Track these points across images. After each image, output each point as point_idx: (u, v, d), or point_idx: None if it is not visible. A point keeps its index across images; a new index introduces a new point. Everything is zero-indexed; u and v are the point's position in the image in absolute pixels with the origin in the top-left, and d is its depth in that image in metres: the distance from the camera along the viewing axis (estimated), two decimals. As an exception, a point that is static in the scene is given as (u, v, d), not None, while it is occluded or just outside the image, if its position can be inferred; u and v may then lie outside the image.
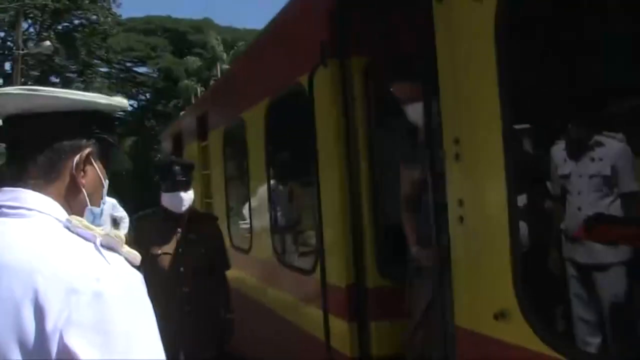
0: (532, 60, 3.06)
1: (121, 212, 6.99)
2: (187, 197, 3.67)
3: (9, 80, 23.60)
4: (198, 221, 3.80)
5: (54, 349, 1.01)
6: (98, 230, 1.16)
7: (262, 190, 4.30)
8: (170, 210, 3.67)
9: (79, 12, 27.84)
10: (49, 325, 1.01)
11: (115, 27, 30.38)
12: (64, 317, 1.02)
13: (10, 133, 1.25)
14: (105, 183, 1.32)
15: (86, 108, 1.26)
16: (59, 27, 27.86)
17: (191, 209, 3.76)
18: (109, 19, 29.25)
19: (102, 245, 1.12)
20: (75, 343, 1.01)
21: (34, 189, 1.19)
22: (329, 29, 3.14)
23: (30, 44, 22.82)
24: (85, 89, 32.48)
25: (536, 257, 3.73)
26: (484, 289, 1.95)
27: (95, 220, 1.27)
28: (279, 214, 4.35)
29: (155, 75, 35.45)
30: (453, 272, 2.11)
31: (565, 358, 1.66)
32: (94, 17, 28.40)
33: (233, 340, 4.12)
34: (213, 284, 3.73)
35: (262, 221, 4.42)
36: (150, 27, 35.37)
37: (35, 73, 27.68)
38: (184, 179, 3.67)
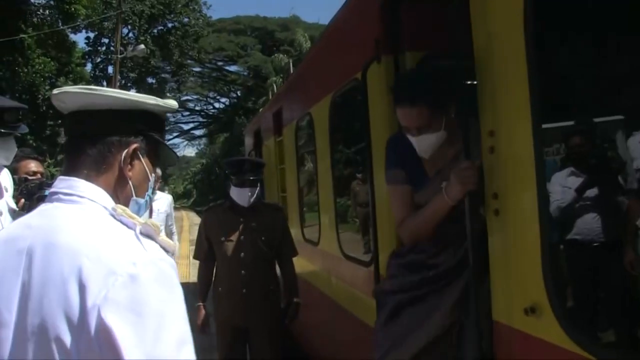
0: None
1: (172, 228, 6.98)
2: (253, 193, 3.99)
3: (110, 83, 25.09)
4: (262, 211, 4.11)
5: (93, 323, 1.12)
6: (139, 219, 1.29)
7: (327, 185, 4.38)
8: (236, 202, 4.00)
9: (172, 16, 29.10)
10: (89, 302, 1.13)
11: (206, 28, 31.51)
12: (102, 295, 1.13)
13: (70, 127, 1.39)
14: (152, 177, 1.45)
15: (135, 107, 1.38)
16: (155, 31, 29.21)
17: (257, 200, 4.00)
18: (200, 20, 30.39)
19: (141, 233, 1.25)
20: (110, 319, 1.12)
21: (86, 179, 1.32)
22: (382, 24, 3.16)
23: (129, 48, 24.08)
24: (179, 89, 34.01)
25: (609, 253, 3.60)
26: (517, 283, 1.94)
27: (140, 210, 1.41)
28: (342, 208, 4.42)
29: (245, 73, 36.46)
30: (490, 266, 2.10)
31: (592, 357, 1.63)
32: (186, 19, 29.59)
33: (296, 324, 4.28)
34: (271, 270, 4.08)
35: (328, 215, 4.51)
36: (240, 27, 36.37)
37: (133, 75, 29.21)
38: (252, 177, 3.91)
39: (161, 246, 1.28)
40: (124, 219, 1.28)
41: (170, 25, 29.37)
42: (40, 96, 22.08)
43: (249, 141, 9.38)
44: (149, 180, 1.44)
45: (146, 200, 1.45)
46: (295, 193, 5.82)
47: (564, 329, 1.72)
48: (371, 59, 3.19)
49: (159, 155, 1.48)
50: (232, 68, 37.81)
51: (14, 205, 3.06)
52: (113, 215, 1.29)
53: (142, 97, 1.39)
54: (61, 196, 1.31)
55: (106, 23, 26.74)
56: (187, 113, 39.76)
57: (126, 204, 1.37)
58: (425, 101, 2.29)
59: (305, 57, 6.61)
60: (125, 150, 1.36)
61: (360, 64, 3.32)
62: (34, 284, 1.19)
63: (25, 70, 21.74)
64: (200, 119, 41.19)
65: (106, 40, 28.64)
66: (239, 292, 3.92)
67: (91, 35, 28.50)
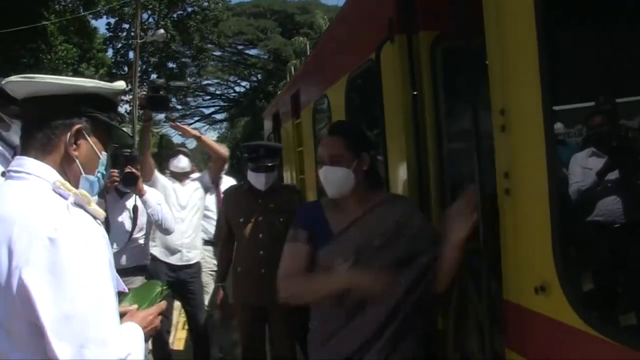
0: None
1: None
2: (270, 177, 4.10)
3: (131, 68, 25.29)
4: (279, 193, 4.21)
5: (15, 283, 1.25)
6: (75, 190, 1.43)
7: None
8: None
9: (192, 0, 29.10)
10: (13, 264, 1.26)
11: (226, 12, 31.49)
12: (24, 257, 1.26)
13: (21, 112, 1.53)
14: (102, 155, 1.56)
15: (76, 92, 1.48)
16: (174, 16, 29.28)
17: (274, 182, 4.07)
18: (220, 4, 30.35)
19: (73, 203, 1.38)
20: (29, 279, 1.24)
21: (34, 158, 1.45)
22: (396, 3, 3.14)
23: (150, 33, 24.19)
24: (199, 73, 34.09)
25: (630, 235, 3.55)
26: (527, 262, 1.94)
27: (93, 187, 1.53)
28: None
29: (265, 56, 36.42)
30: (501, 245, 2.10)
31: (604, 336, 1.63)
32: (205, 4, 29.59)
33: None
34: None
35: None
36: (259, 10, 36.28)
37: (154, 60, 29.37)
38: (269, 163, 3.96)
39: (91, 214, 1.40)
40: (62, 191, 1.40)
41: (189, 9, 29.41)
42: (63, 82, 22.22)
43: (267, 124, 9.40)
44: (98, 158, 1.55)
45: (98, 177, 1.56)
46: (313, 175, 5.83)
47: (573, 308, 1.71)
48: (384, 39, 3.18)
49: (111, 135, 1.61)
50: (252, 52, 37.83)
51: None
52: (53, 189, 1.41)
53: (82, 81, 1.50)
54: (12, 174, 1.45)
55: (126, 8, 26.87)
56: (208, 97, 39.92)
57: (76, 181, 1.50)
58: (344, 135, 2.58)
59: (321, 38, 6.57)
60: (69, 133, 1.48)
61: (375, 44, 3.31)
62: None
63: (49, 56, 21.98)
64: (221, 103, 41.32)
65: (126, 26, 28.78)
66: (257, 273, 3.97)
67: (112, 21, 28.69)
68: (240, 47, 37.75)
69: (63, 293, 1.25)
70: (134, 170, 4.24)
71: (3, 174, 2.79)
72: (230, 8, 33.46)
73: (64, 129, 1.48)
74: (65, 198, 1.40)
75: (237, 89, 40.68)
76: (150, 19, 29.19)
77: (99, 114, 1.53)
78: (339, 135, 2.59)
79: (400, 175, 3.15)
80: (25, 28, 17.69)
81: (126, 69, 28.47)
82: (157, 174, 4.90)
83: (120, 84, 1.58)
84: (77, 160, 1.50)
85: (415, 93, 3.07)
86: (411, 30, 3.11)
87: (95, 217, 1.42)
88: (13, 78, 1.44)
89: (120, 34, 29.10)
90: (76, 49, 23.62)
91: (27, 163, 1.46)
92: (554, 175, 1.81)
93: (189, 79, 31.19)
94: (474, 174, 2.55)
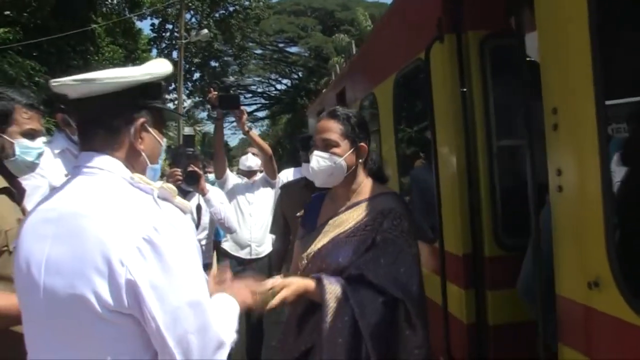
0: None
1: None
2: None
3: (175, 67, 25.71)
4: None
5: (121, 282, 1.29)
6: (154, 184, 1.44)
7: (392, 164, 4.44)
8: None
9: (233, -1, 29.40)
10: (116, 261, 1.29)
11: (267, 10, 31.69)
12: (129, 256, 1.29)
13: (78, 113, 1.50)
14: (163, 142, 1.59)
15: (132, 85, 1.46)
16: (216, 15, 29.63)
17: None
18: (261, 3, 30.58)
19: (158, 197, 1.40)
20: (139, 277, 1.29)
21: (103, 154, 1.46)
22: (444, 4, 3.19)
23: (193, 33, 24.57)
24: (241, 71, 34.40)
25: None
26: (580, 258, 1.97)
27: (155, 175, 1.56)
28: (406, 186, 4.47)
29: (306, 54, 36.50)
30: (554, 241, 2.13)
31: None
32: (247, 2, 29.85)
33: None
34: None
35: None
36: (300, 8, 36.36)
37: (197, 60, 29.80)
38: None
39: (179, 207, 1.43)
40: (142, 185, 1.42)
41: (231, 9, 29.72)
42: (110, 83, 22.75)
43: (312, 122, 9.49)
44: (160, 146, 1.57)
45: (160, 164, 1.60)
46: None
47: (627, 303, 1.75)
48: (434, 38, 3.23)
49: (164, 118, 1.62)
50: (293, 49, 37.97)
51: None
52: (131, 184, 1.43)
53: (134, 73, 1.45)
54: (84, 169, 1.44)
55: (170, 9, 27.34)
56: (250, 95, 40.27)
57: (143, 173, 1.52)
58: (342, 121, 2.36)
59: (368, 36, 6.62)
60: (133, 127, 1.48)
61: (424, 44, 3.36)
62: (62, 250, 1.34)
63: (96, 58, 22.54)
64: (263, 101, 41.64)
65: (170, 26, 29.30)
66: None
67: (156, 21, 29.24)
68: (281, 45, 37.95)
69: (171, 288, 1.31)
70: (196, 169, 4.36)
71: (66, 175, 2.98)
72: (271, 6, 33.73)
73: (127, 125, 1.47)
74: (147, 192, 1.41)
75: (278, 86, 40.93)
76: (193, 19, 29.64)
77: (155, 102, 1.53)
78: (336, 120, 2.37)
79: (449, 172, 3.19)
80: (75, 32, 18.17)
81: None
82: (228, 171, 5.06)
83: (167, 66, 1.55)
84: (143, 154, 1.50)
85: (464, 90, 3.12)
86: (460, 30, 3.16)
87: (183, 211, 1.44)
88: (66, 80, 1.40)
89: (164, 34, 29.64)
90: (122, 50, 24.16)
91: (98, 158, 1.45)
92: (607, 172, 1.84)
93: (231, 77, 31.52)
94: (524, 171, 2.60)
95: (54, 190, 1.49)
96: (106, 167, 1.44)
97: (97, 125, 1.46)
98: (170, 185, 1.44)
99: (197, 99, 32.36)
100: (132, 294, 1.29)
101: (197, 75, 31.80)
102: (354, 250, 2.23)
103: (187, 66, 29.13)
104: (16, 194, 2.21)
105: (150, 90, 1.51)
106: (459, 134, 3.13)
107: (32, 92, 2.34)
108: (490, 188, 3.07)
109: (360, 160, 2.38)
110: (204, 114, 36.28)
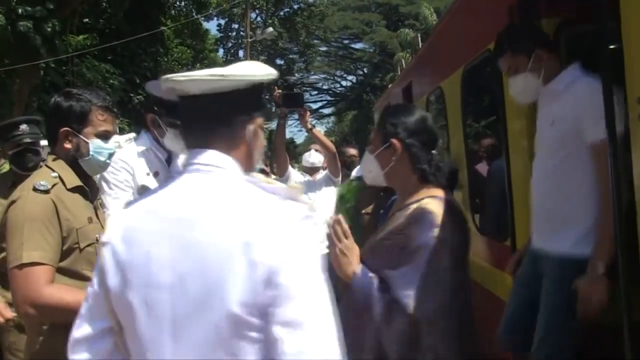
0: None
1: None
2: None
3: (241, 67, 26.11)
4: None
5: (263, 284, 1.22)
6: (278, 184, 1.40)
7: (460, 160, 4.33)
8: None
9: (298, -3, 29.64)
10: (260, 265, 1.22)
11: (331, 7, 31.80)
12: (275, 260, 1.23)
13: (190, 109, 1.42)
14: (264, 142, 1.53)
15: (254, 84, 1.42)
16: (281, 13, 29.96)
17: None
18: (325, 0, 30.68)
19: (286, 197, 1.33)
20: (285, 280, 1.22)
21: (220, 152, 1.39)
22: (517, -9, 3.06)
23: (258, 32, 24.96)
24: (307, 68, 34.69)
25: None
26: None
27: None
28: (475, 183, 4.34)
29: (371, 50, 36.38)
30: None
31: None
32: (311, 0, 30.02)
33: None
34: None
35: (461, 190, 4.45)
36: (364, 3, 36.22)
37: (263, 57, 30.24)
38: None
39: (305, 207, 1.35)
40: (265, 185, 1.36)
41: (296, 6, 30.03)
42: (179, 83, 23.43)
43: (378, 117, 9.42)
44: (263, 146, 1.52)
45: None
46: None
47: None
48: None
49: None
50: (358, 45, 37.93)
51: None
52: (253, 182, 1.37)
53: (259, 72, 1.41)
54: (198, 167, 1.38)
55: (235, 9, 27.85)
56: (315, 92, 40.51)
57: (251, 172, 1.47)
58: (380, 118, 2.33)
59: (434, 29, 6.49)
60: (252, 126, 1.43)
61: (493, 35, 3.24)
62: (192, 249, 1.27)
63: (166, 59, 23.24)
64: (328, 98, 41.81)
65: (236, 26, 29.85)
66: None
67: (222, 22, 29.85)
68: (345, 41, 37.97)
69: (315, 290, 1.25)
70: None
71: (155, 174, 3.05)
72: (335, 3, 33.84)
73: (245, 124, 1.42)
74: (272, 192, 1.34)
75: (344, 83, 40.99)
76: (259, 18, 30.08)
77: (265, 102, 1.53)
78: (379, 119, 2.34)
79: (523, 168, 3.06)
80: (147, 34, 18.81)
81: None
82: (290, 168, 5.10)
83: (272, 70, 1.49)
84: (255, 154, 1.46)
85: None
86: (533, 18, 3.02)
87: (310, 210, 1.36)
88: (198, 75, 1.35)
89: (230, 33, 30.23)
90: (190, 50, 24.81)
91: (216, 157, 1.39)
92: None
93: (296, 74, 31.83)
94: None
95: (161, 187, 1.44)
96: (223, 165, 1.38)
97: (219, 123, 1.40)
98: (297, 185, 1.40)
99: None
100: (278, 299, 1.22)
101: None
102: (382, 254, 2.14)
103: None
104: (89, 192, 2.27)
105: (263, 90, 1.51)
106: (532, 127, 2.99)
107: (107, 94, 2.40)
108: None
109: (393, 157, 2.20)
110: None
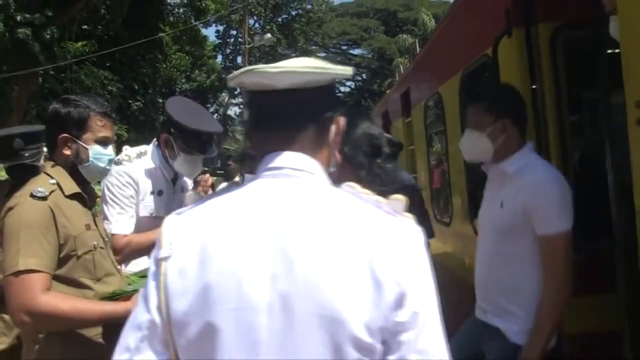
0: None
1: None
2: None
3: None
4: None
5: (388, 303, 1.09)
6: (376, 196, 1.22)
7: (459, 165, 4.32)
8: None
9: (296, 3, 29.74)
10: (387, 284, 1.10)
11: (329, 13, 31.88)
12: (399, 278, 1.11)
13: (273, 105, 1.24)
14: None
15: (336, 80, 1.31)
16: (279, 20, 30.05)
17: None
18: (323, 6, 30.81)
19: (386, 211, 1.19)
20: (415, 303, 1.11)
21: (304, 154, 1.23)
22: (513, -4, 3.06)
23: (257, 38, 25.00)
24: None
25: None
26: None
27: None
28: (474, 188, 4.33)
29: (369, 55, 36.45)
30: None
31: None
32: (309, 6, 30.12)
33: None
34: None
35: (460, 195, 4.45)
36: (362, 9, 36.35)
37: (262, 64, 30.31)
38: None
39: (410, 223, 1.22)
40: (364, 196, 1.22)
41: (294, 13, 30.09)
42: (177, 89, 23.59)
43: (377, 123, 9.41)
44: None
45: None
46: (425, 173, 5.79)
47: None
48: (502, 32, 3.10)
49: None
50: (356, 51, 38.03)
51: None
52: (352, 193, 1.22)
53: (339, 67, 1.27)
54: (289, 172, 1.21)
55: (233, 15, 27.91)
56: (314, 98, 40.47)
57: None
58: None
59: (432, 35, 6.49)
60: (335, 126, 1.29)
61: (490, 39, 3.24)
62: (298, 266, 1.11)
63: (164, 65, 23.31)
64: (327, 104, 41.77)
65: (234, 32, 29.88)
66: None
67: (220, 28, 29.90)
68: (344, 47, 38.05)
69: (439, 315, 1.17)
70: None
71: (159, 193, 3.03)
72: (334, 9, 33.92)
73: (329, 123, 1.27)
74: (371, 204, 1.20)
75: (342, 88, 41.00)
76: (257, 24, 30.14)
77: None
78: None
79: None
80: (145, 41, 18.86)
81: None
82: None
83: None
84: (332, 159, 1.30)
85: (534, 87, 2.98)
86: (530, 23, 3.02)
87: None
88: (296, 67, 1.21)
89: (228, 40, 30.26)
90: (188, 57, 24.87)
91: (305, 160, 1.23)
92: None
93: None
94: (601, 170, 2.45)
95: (233, 194, 1.23)
96: (312, 170, 1.23)
97: (306, 121, 1.24)
98: (399, 196, 1.23)
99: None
100: (396, 324, 1.11)
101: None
102: None
103: (252, 71, 29.54)
104: (87, 199, 2.26)
105: None
106: (530, 133, 2.98)
107: (105, 100, 2.39)
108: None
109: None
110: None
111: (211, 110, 29.13)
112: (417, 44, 8.49)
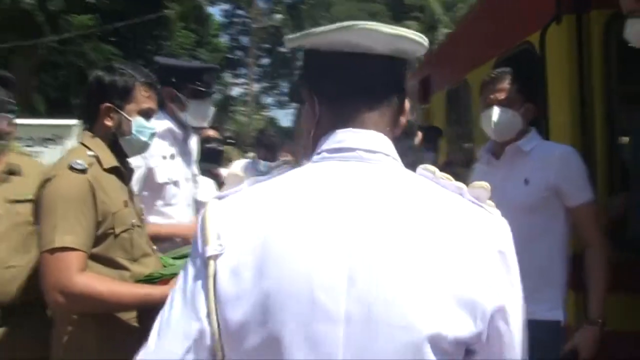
0: None
1: None
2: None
3: (247, 53, 25.98)
4: None
5: (480, 315, 0.96)
6: (452, 180, 1.07)
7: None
8: None
9: (305, -16, 29.48)
10: (485, 284, 0.96)
11: (338, -4, 31.61)
12: (489, 281, 0.97)
13: (365, 69, 1.07)
14: None
15: None
16: (288, 1, 29.80)
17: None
18: (332, -12, 30.55)
19: (469, 199, 1.04)
20: (504, 296, 0.98)
21: (380, 133, 1.07)
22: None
23: (264, 18, 24.76)
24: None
25: None
26: None
27: None
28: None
29: (375, 41, 36.21)
30: None
31: None
32: (318, -12, 29.88)
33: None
34: None
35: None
36: (370, -7, 36.02)
37: (267, 45, 30.13)
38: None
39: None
40: (445, 182, 1.06)
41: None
42: (181, 67, 23.31)
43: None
44: None
45: None
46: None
47: None
48: (550, 19, 2.96)
49: None
50: (362, 36, 37.76)
51: (197, 172, 3.22)
52: (431, 179, 1.06)
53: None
54: (362, 154, 1.04)
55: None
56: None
57: None
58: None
59: (460, 21, 6.34)
60: (407, 100, 1.14)
61: (535, 26, 3.11)
62: (384, 272, 0.93)
63: (169, 43, 23.01)
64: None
65: (240, 12, 29.59)
66: None
67: (226, 7, 29.62)
68: (350, 31, 37.83)
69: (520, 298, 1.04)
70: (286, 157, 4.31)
71: (172, 157, 2.90)
72: (342, -8, 33.61)
73: (404, 100, 1.13)
74: (454, 191, 1.05)
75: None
76: (264, 5, 29.88)
77: None
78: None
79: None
80: (151, 18, 18.59)
81: (239, 53, 29.34)
82: None
83: None
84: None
85: (583, 82, 2.85)
86: (582, 9, 2.89)
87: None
88: (405, 32, 1.05)
89: (234, 19, 30.00)
90: (193, 35, 24.58)
91: (377, 139, 1.06)
92: None
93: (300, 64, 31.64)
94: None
95: (295, 178, 1.05)
96: (391, 153, 1.07)
97: (392, 93, 1.09)
98: (484, 183, 1.05)
99: (265, 84, 32.65)
100: (500, 320, 0.98)
101: (265, 60, 32.13)
102: None
103: (257, 52, 29.39)
104: (125, 174, 2.14)
105: None
106: (575, 128, 2.87)
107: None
108: (609, 189, 2.80)
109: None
110: (270, 99, 36.66)
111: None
112: (420, 30, 8.31)
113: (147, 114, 2.16)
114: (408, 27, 1.11)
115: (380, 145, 1.06)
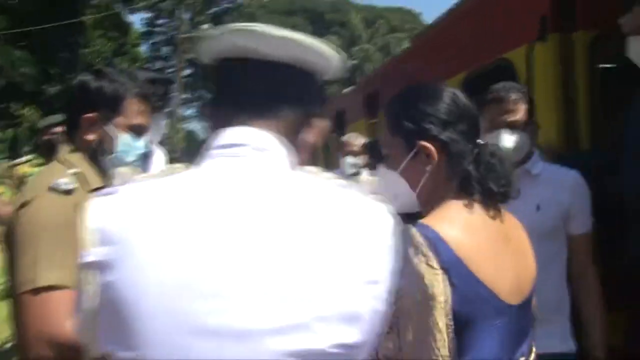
0: None
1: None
2: None
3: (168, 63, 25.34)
4: None
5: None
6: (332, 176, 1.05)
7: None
8: None
9: (228, -3, 29.35)
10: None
11: (260, 9, 31.67)
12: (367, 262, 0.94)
13: (255, 76, 1.03)
14: None
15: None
16: (210, 12, 29.51)
17: None
18: (254, 1, 30.56)
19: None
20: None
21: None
22: (551, 1, 2.90)
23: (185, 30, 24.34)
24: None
25: None
26: None
27: None
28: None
29: (295, 55, 36.49)
30: None
31: None
32: (240, 0, 29.82)
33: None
34: None
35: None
36: (293, 7, 36.39)
37: (191, 56, 29.64)
38: None
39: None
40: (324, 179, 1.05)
41: (226, 6, 29.64)
42: (97, 77, 22.41)
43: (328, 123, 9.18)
44: None
45: None
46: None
47: None
48: (538, 36, 2.92)
49: None
50: (283, 50, 38.00)
51: None
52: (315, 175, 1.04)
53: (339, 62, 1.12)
54: (248, 150, 0.99)
55: (162, 3, 27.03)
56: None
57: None
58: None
59: (419, 36, 6.24)
60: (315, 129, 1.09)
61: (513, 44, 3.08)
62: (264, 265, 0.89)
63: (85, 51, 22.03)
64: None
65: (161, 21, 28.97)
66: None
67: (147, 16, 28.90)
68: (271, 44, 37.98)
69: None
70: None
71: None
72: (265, 5, 33.69)
73: (300, 111, 1.09)
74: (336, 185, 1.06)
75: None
76: (186, 16, 29.38)
77: None
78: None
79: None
80: (64, 23, 17.66)
81: (157, 64, 28.64)
82: None
83: None
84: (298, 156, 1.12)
85: (569, 98, 2.83)
86: (567, 29, 2.87)
87: None
88: (298, 37, 1.01)
89: (155, 29, 29.32)
90: (111, 44, 23.71)
91: (264, 137, 1.01)
92: None
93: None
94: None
95: (185, 176, 0.98)
96: (270, 147, 1.02)
97: (282, 103, 1.06)
98: (367, 178, 1.07)
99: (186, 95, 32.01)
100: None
101: (187, 71, 31.56)
102: None
103: (181, 64, 28.82)
104: None
105: None
106: (562, 144, 2.84)
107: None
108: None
109: (427, 168, 1.58)
110: (190, 111, 36.04)
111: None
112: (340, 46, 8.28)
113: (137, 131, 1.83)
114: (329, 42, 1.06)
115: (267, 142, 1.00)
